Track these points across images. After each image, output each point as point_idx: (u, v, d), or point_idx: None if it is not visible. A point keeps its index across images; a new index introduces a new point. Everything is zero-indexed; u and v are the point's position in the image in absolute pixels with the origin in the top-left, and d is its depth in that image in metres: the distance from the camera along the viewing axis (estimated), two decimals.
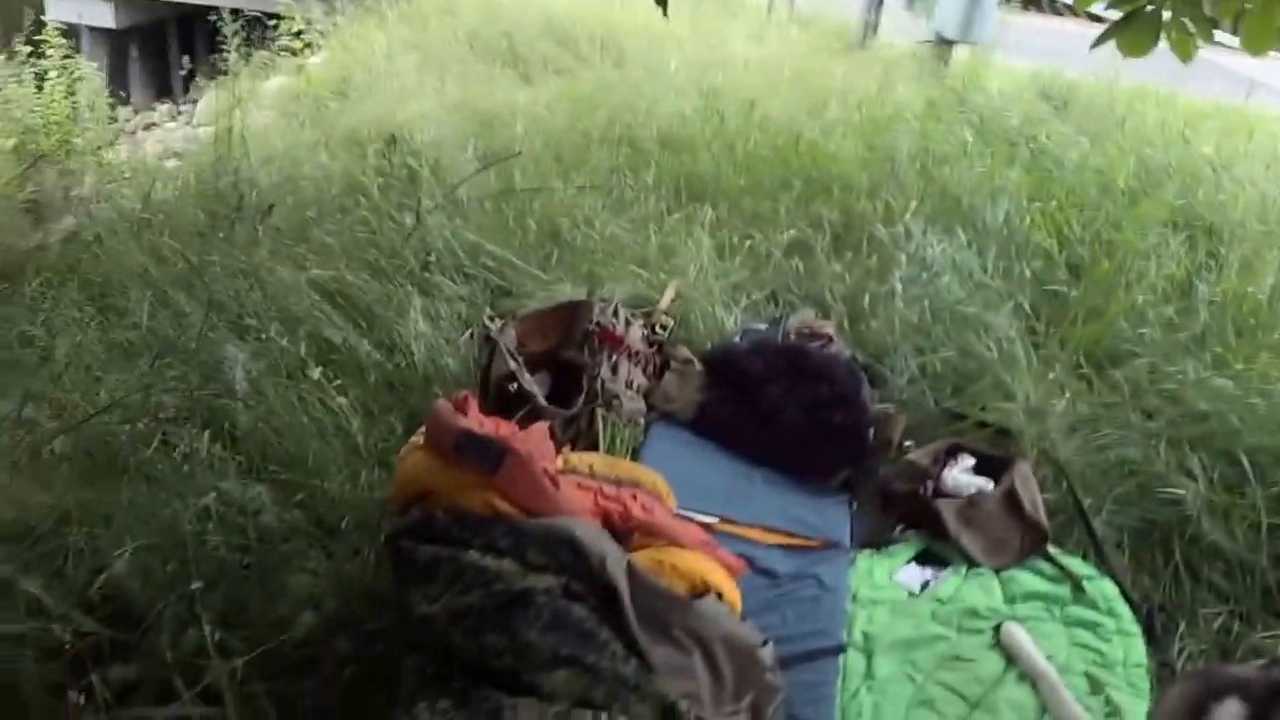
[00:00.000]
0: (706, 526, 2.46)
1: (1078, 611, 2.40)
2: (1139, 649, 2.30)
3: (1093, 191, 4.26)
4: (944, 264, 3.45)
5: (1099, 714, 2.12)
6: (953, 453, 2.74)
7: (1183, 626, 2.43)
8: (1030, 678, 2.19)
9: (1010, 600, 2.44)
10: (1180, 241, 3.83)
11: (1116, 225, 3.89)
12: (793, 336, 3.21)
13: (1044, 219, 3.89)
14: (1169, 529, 2.62)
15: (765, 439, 2.74)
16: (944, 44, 7.04)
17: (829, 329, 3.24)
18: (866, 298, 3.48)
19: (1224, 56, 5.32)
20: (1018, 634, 2.28)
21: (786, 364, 2.85)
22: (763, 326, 3.38)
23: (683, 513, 2.47)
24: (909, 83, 6.30)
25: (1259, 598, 2.49)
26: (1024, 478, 2.65)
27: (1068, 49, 5.88)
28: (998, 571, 2.50)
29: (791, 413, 2.73)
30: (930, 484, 2.62)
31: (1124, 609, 2.39)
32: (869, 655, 2.23)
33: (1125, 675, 2.25)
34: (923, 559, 2.54)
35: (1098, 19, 4.86)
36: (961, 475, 2.66)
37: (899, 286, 3.31)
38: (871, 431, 2.75)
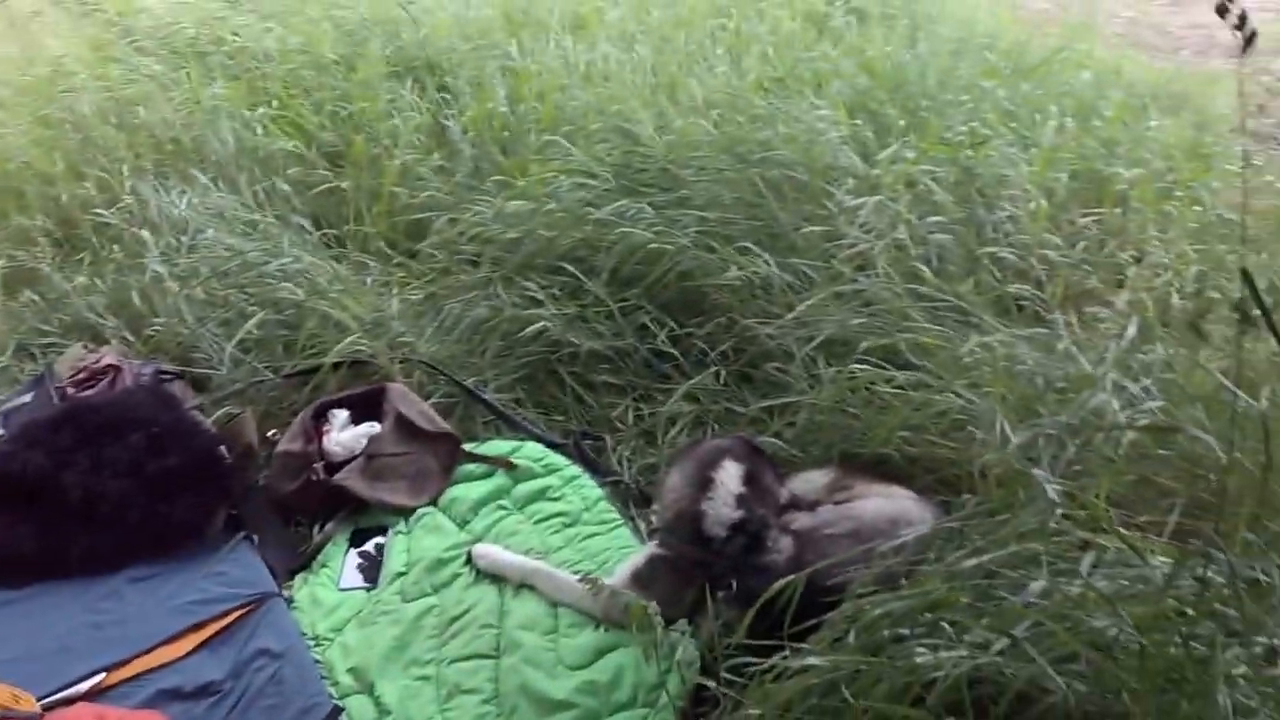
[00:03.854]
0: (91, 694, 1.80)
1: (522, 490, 2.30)
2: (589, 486, 2.27)
3: (307, 74, 3.93)
4: (201, 218, 2.89)
5: (600, 567, 2.04)
6: (320, 416, 2.36)
7: (608, 439, 2.45)
8: (526, 583, 2.02)
9: (464, 524, 2.23)
10: (410, 88, 3.72)
11: (346, 97, 3.64)
12: (69, 390, 2.46)
13: (276, 122, 3.48)
14: (547, 360, 2.60)
15: (102, 538, 2.06)
16: None
17: (109, 357, 2.54)
18: (135, 295, 2.80)
19: None
20: (487, 551, 2.10)
21: (71, 436, 2.13)
22: (27, 398, 2.55)
23: (52, 699, 1.77)
24: (55, 34, 5.18)
25: (643, 372, 2.60)
26: (403, 397, 2.39)
27: None
28: (435, 504, 2.27)
29: (113, 487, 2.06)
30: (318, 464, 2.22)
31: (558, 458, 2.34)
32: (370, 688, 1.87)
33: (595, 516, 2.21)
34: (359, 543, 2.19)
35: None
36: (343, 434, 2.31)
37: (159, 268, 2.69)
38: (224, 448, 2.23)
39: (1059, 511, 1.43)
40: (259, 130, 3.37)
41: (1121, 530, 1.47)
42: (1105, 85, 3.84)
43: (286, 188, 2.95)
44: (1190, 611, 1.23)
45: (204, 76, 3.84)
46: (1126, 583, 1.34)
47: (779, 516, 1.88)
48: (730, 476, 1.87)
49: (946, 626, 1.37)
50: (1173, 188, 3.04)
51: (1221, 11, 1.13)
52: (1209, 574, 1.22)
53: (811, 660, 1.43)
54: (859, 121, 3.09)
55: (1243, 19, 1.13)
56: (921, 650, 1.34)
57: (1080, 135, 3.20)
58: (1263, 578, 1.21)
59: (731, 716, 1.52)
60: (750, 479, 1.88)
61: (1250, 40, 1.11)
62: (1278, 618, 1.21)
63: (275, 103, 3.57)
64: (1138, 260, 2.67)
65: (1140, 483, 1.53)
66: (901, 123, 3.09)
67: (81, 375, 2.48)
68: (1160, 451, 1.73)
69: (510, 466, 2.32)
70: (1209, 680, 1.19)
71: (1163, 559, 1.36)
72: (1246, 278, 1.05)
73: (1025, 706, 1.31)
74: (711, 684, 1.60)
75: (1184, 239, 2.68)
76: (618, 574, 1.94)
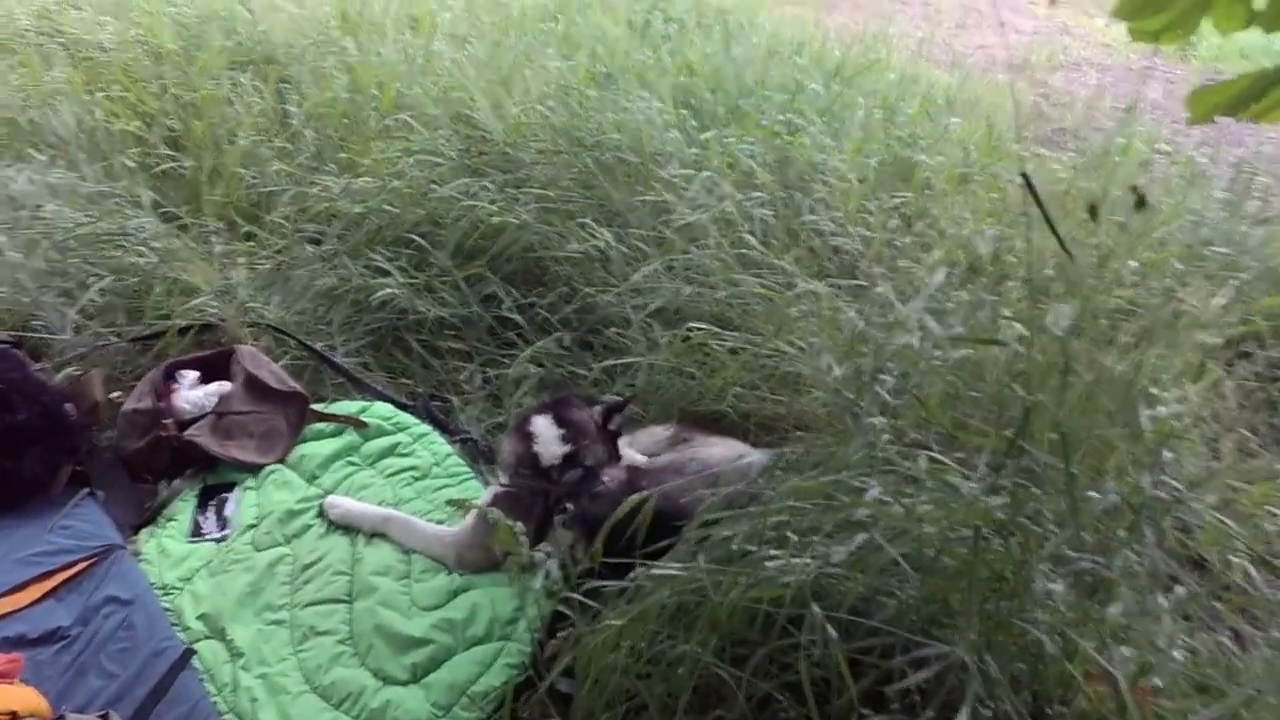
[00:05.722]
0: None
1: (372, 446, 2.39)
2: (439, 442, 2.38)
3: (147, 63, 3.89)
4: (41, 194, 2.85)
5: (450, 516, 2.15)
6: (170, 376, 2.39)
7: (455, 400, 2.58)
8: (379, 532, 2.12)
9: (313, 479, 2.31)
10: (251, 78, 3.75)
11: (187, 85, 3.63)
12: None
13: (117, 107, 3.45)
14: (394, 327, 2.73)
15: None
16: None
17: None
18: None
19: None
20: (339, 502, 2.18)
21: None
22: None
23: None
24: None
25: (488, 338, 2.75)
26: (252, 358, 2.45)
27: None
28: (284, 462, 2.34)
29: None
30: (168, 421, 2.26)
31: (407, 417, 2.44)
32: (220, 633, 1.91)
33: (446, 470, 2.32)
34: (207, 499, 2.24)
35: None
36: (192, 393, 2.36)
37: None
38: (69, 406, 2.24)
39: (885, 437, 1.56)
40: (98, 113, 3.33)
41: (935, 450, 1.60)
42: (907, 88, 4.26)
43: (131, 164, 2.95)
44: (1003, 515, 1.35)
45: (42, 64, 3.75)
46: (944, 494, 1.46)
47: (600, 445, 2.07)
48: (544, 424, 2.05)
49: (792, 535, 1.48)
50: (970, 174, 3.42)
51: None
52: (1019, 480, 1.36)
53: (670, 571, 1.53)
54: (684, 112, 3.35)
55: None
56: (770, 560, 1.44)
57: (887, 128, 3.55)
58: (1060, 465, 1.33)
59: (592, 626, 1.59)
60: (561, 421, 2.06)
61: None
62: (1081, 514, 1.35)
63: (117, 87, 3.53)
64: (941, 235, 3.00)
65: (957, 426, 1.68)
66: (721, 110, 3.37)
67: None
68: (972, 394, 1.91)
69: (361, 425, 2.41)
70: (1026, 572, 1.32)
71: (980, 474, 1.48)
72: (1025, 179, 1.25)
73: (867, 615, 1.43)
74: (568, 611, 1.69)
75: (982, 217, 3.03)
76: (467, 519, 2.05)
